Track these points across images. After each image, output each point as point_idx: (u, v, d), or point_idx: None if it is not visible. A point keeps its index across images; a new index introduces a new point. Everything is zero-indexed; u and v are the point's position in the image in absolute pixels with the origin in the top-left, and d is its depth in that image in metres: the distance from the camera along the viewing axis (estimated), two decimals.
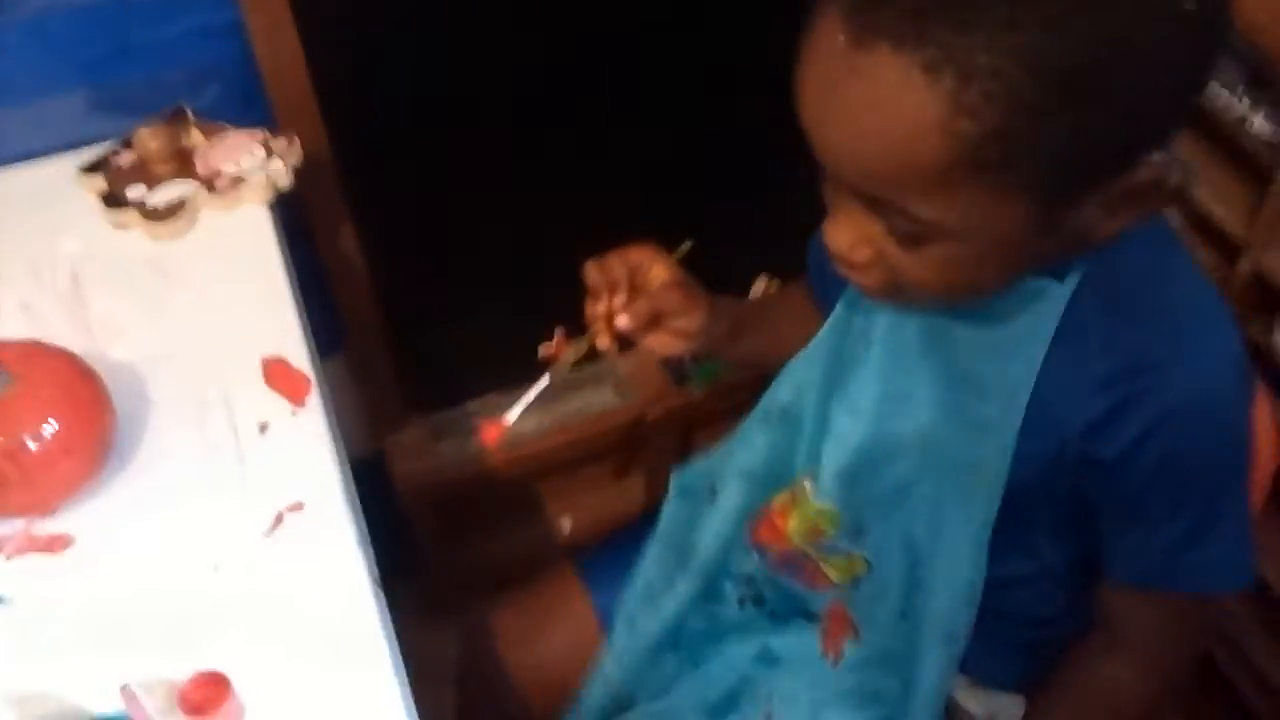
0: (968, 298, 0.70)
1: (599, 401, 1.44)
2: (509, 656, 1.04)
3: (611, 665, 0.99)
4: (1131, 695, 0.82)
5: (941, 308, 0.74)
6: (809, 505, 0.87)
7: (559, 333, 1.45)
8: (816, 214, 0.70)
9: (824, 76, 0.59)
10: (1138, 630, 0.80)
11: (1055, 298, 0.70)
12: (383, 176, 1.20)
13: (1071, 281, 0.70)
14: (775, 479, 0.92)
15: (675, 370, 1.43)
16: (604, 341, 0.85)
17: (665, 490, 1.26)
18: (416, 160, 1.21)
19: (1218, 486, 0.74)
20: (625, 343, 0.87)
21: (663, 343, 0.87)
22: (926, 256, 0.64)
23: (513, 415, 0.87)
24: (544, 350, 1.48)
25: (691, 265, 0.89)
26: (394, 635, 0.74)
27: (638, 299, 0.84)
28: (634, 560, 1.02)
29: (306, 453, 0.83)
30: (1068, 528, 0.80)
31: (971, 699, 0.94)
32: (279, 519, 0.79)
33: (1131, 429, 0.70)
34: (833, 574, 0.87)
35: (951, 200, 0.60)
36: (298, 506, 0.79)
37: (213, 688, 0.68)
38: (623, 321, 0.83)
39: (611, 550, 1.11)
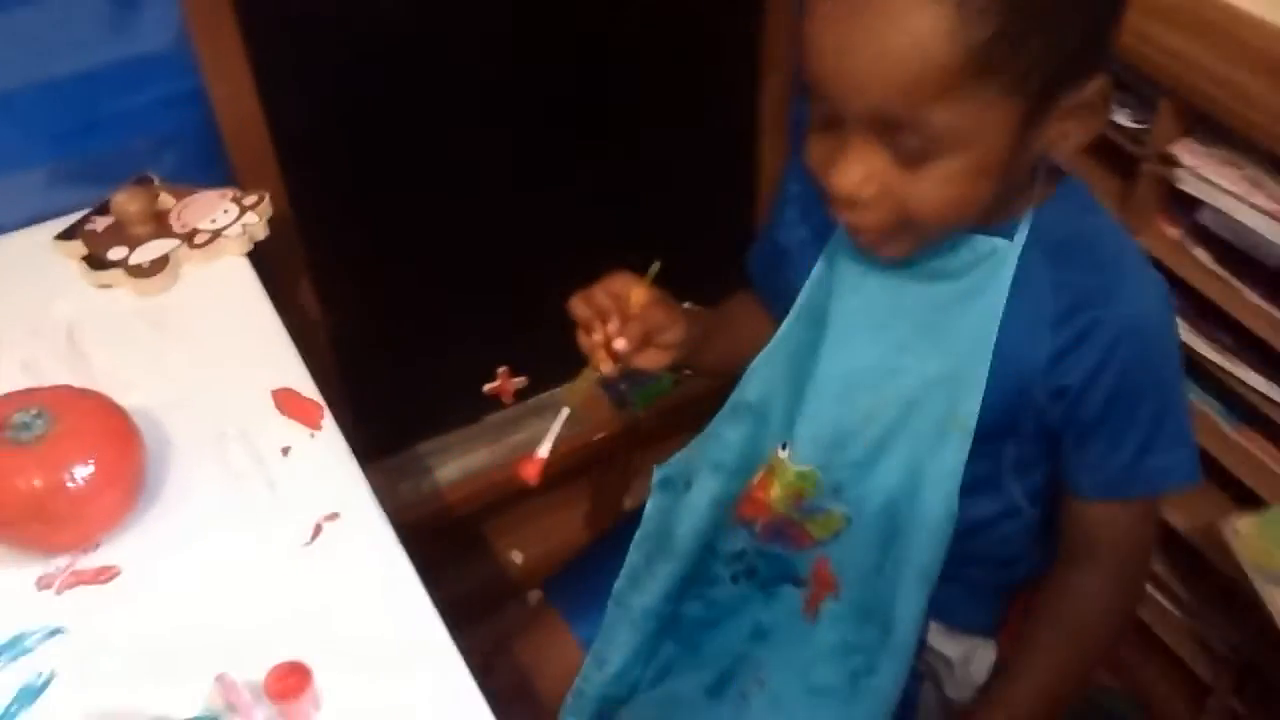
0: (962, 220, 0.79)
1: (544, 432, 1.50)
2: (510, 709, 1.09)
3: (603, 648, 1.05)
4: (1105, 605, 0.93)
5: (928, 248, 0.82)
6: (788, 472, 0.95)
7: (502, 372, 1.53)
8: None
9: (843, 12, 0.70)
10: (1106, 539, 0.91)
11: (1007, 252, 0.82)
12: (336, 233, 1.26)
13: (1020, 239, 0.82)
14: (746, 470, 1.00)
15: (615, 395, 1.52)
16: (607, 367, 0.92)
17: (616, 513, 1.34)
18: (367, 217, 1.28)
19: (1164, 397, 0.87)
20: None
21: (651, 359, 0.95)
22: (930, 177, 0.74)
23: (545, 449, 0.94)
24: (488, 388, 1.56)
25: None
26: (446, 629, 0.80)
27: (628, 323, 0.91)
28: (605, 582, 1.07)
29: (332, 467, 0.89)
30: (1030, 464, 0.91)
31: (947, 644, 1.03)
32: (318, 529, 0.84)
33: (1087, 357, 0.82)
34: (815, 531, 0.95)
35: (959, 106, 0.71)
36: (334, 516, 0.85)
37: (294, 676, 0.73)
38: (620, 345, 0.90)
39: (581, 579, 1.17)
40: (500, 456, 1.49)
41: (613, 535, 1.17)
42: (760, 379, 0.97)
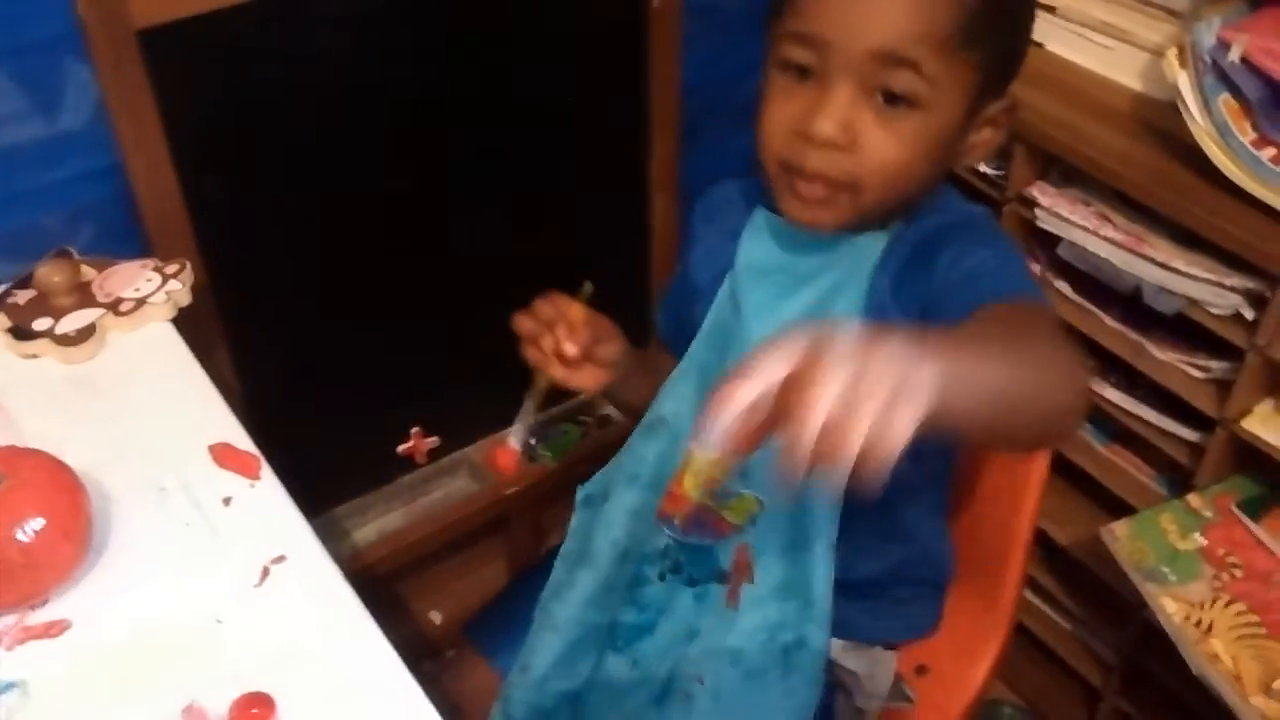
0: (897, 189, 0.88)
1: (458, 490, 1.54)
2: None
3: (527, 655, 1.08)
4: (1054, 344, 0.78)
5: (849, 224, 0.91)
6: (698, 461, 1.00)
7: (415, 432, 1.57)
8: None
9: None
10: (1023, 317, 0.83)
11: (877, 238, 0.93)
12: (250, 300, 1.30)
13: (895, 228, 0.93)
14: (659, 483, 1.05)
15: (526, 449, 1.56)
16: (558, 372, 1.00)
17: (530, 565, 1.37)
18: (280, 284, 1.32)
19: (1004, 249, 0.92)
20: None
21: (589, 377, 1.01)
22: (900, 130, 0.85)
23: (516, 441, 1.00)
24: (402, 448, 1.59)
25: None
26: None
27: (574, 330, 0.99)
28: (524, 617, 1.11)
29: (274, 514, 0.92)
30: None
31: (850, 658, 1.09)
32: (266, 572, 0.87)
33: (933, 260, 0.90)
34: (731, 517, 1.00)
35: (947, 61, 0.84)
36: (280, 559, 0.88)
37: (259, 706, 0.76)
38: (569, 349, 0.98)
39: (498, 615, 1.22)
40: (416, 516, 1.52)
41: (529, 573, 1.21)
42: (673, 396, 1.04)
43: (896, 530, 1.05)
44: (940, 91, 0.85)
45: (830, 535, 0.97)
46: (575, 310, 1.00)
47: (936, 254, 0.90)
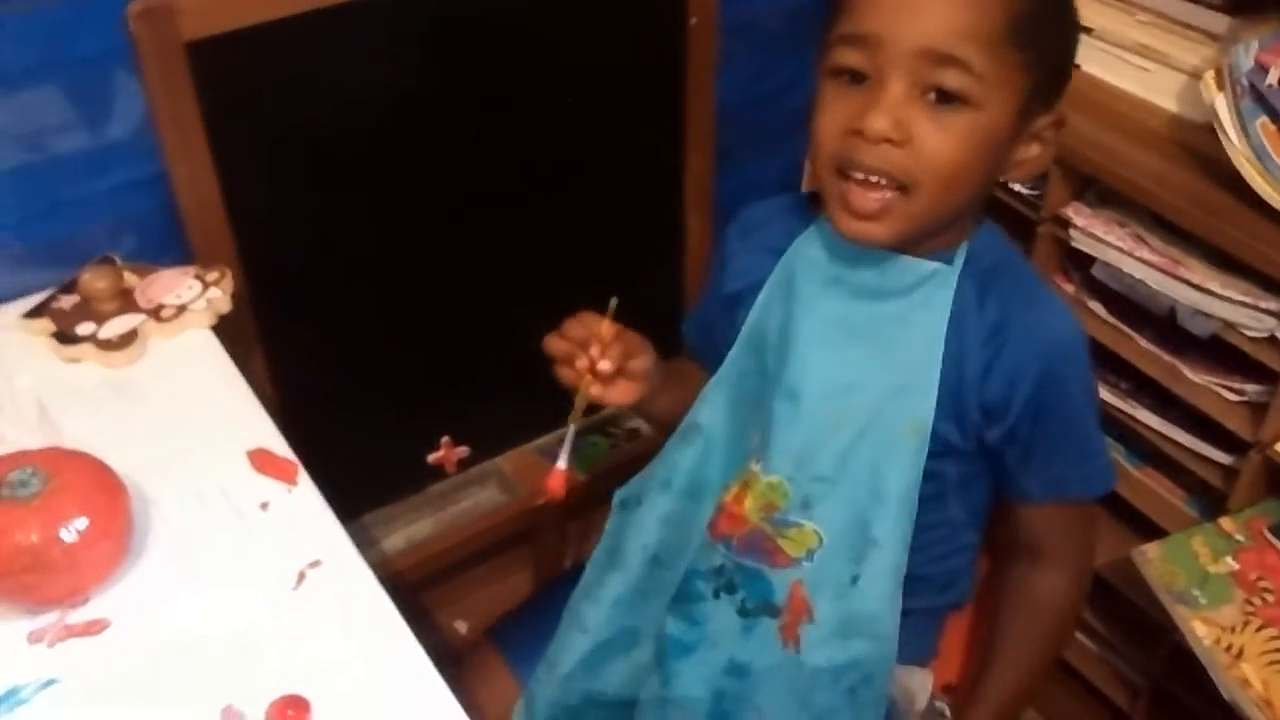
0: (955, 195, 0.89)
1: (487, 500, 1.55)
2: None
3: (555, 652, 1.09)
4: (1062, 595, 1.04)
5: (909, 232, 0.91)
6: (760, 483, 1.00)
7: (445, 441, 1.58)
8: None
9: None
10: (1055, 537, 1.02)
11: (948, 274, 0.94)
12: (289, 310, 1.31)
13: (958, 263, 0.94)
14: (692, 490, 1.06)
15: (554, 459, 1.57)
16: (597, 390, 1.00)
17: (557, 575, 1.38)
18: (318, 295, 1.33)
19: (1089, 408, 0.99)
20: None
21: (622, 392, 1.02)
22: (952, 128, 0.86)
23: (563, 461, 1.01)
24: (432, 457, 1.60)
25: None
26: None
27: (607, 347, 0.99)
28: (548, 626, 1.12)
29: (311, 519, 0.93)
30: (970, 481, 1.01)
31: (895, 680, 1.10)
32: (302, 576, 0.89)
33: (1016, 376, 0.93)
34: (789, 548, 1.00)
35: (996, 58, 0.85)
36: (316, 563, 0.89)
37: (295, 709, 0.77)
38: (605, 366, 0.98)
39: (524, 624, 1.22)
40: (444, 525, 1.53)
41: (556, 582, 1.22)
42: (709, 403, 1.05)
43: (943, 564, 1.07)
44: (990, 90, 0.86)
45: (896, 568, 0.98)
46: (605, 327, 1.01)
47: (1008, 324, 0.93)
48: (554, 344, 1.01)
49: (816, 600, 1.00)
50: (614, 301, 1.01)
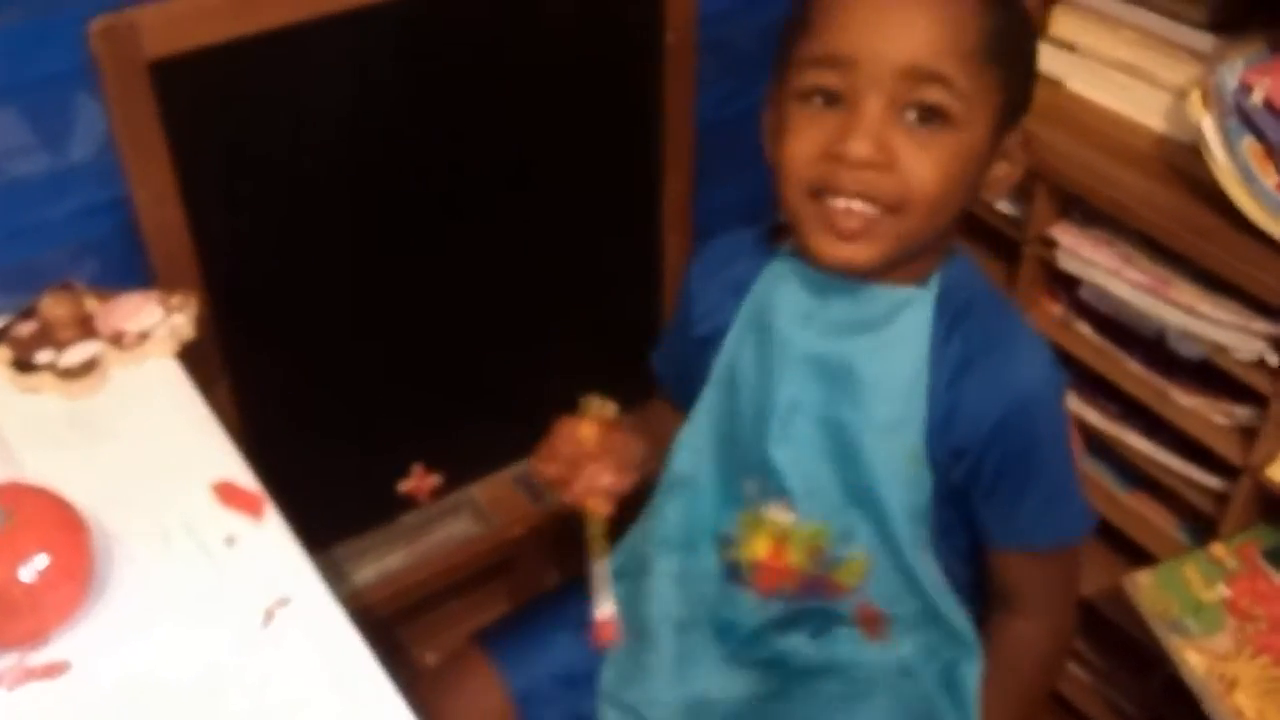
0: (940, 214, 0.86)
1: (461, 531, 1.52)
2: None
3: None
4: (1042, 647, 1.01)
5: (889, 258, 0.87)
6: (799, 534, 0.97)
7: (417, 469, 1.54)
8: None
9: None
10: (1029, 586, 0.98)
11: (925, 299, 0.91)
12: (254, 336, 1.28)
13: (934, 286, 0.90)
14: (688, 542, 1.03)
15: (530, 488, 1.54)
16: (604, 509, 0.95)
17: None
18: (284, 320, 1.30)
19: (1058, 455, 0.94)
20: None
21: (628, 484, 0.97)
22: (935, 149, 0.83)
23: (607, 605, 0.96)
24: (404, 486, 1.56)
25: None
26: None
27: (600, 460, 0.95)
28: (544, 635, 1.09)
29: (279, 555, 0.89)
30: (951, 527, 0.97)
31: None
32: (270, 614, 0.85)
33: (981, 421, 0.90)
34: (845, 579, 0.97)
35: (975, 76, 0.83)
36: (284, 601, 0.86)
37: None
38: (607, 481, 0.94)
39: (517, 627, 1.16)
40: (417, 557, 1.49)
41: (555, 591, 1.20)
42: (688, 449, 1.01)
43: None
44: (971, 108, 0.83)
45: (938, 578, 0.98)
46: (585, 431, 0.95)
47: (994, 368, 0.91)
48: (545, 469, 0.97)
49: (889, 610, 0.99)
50: (585, 400, 0.97)
